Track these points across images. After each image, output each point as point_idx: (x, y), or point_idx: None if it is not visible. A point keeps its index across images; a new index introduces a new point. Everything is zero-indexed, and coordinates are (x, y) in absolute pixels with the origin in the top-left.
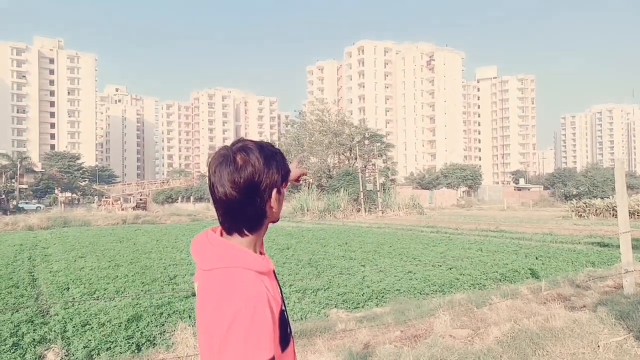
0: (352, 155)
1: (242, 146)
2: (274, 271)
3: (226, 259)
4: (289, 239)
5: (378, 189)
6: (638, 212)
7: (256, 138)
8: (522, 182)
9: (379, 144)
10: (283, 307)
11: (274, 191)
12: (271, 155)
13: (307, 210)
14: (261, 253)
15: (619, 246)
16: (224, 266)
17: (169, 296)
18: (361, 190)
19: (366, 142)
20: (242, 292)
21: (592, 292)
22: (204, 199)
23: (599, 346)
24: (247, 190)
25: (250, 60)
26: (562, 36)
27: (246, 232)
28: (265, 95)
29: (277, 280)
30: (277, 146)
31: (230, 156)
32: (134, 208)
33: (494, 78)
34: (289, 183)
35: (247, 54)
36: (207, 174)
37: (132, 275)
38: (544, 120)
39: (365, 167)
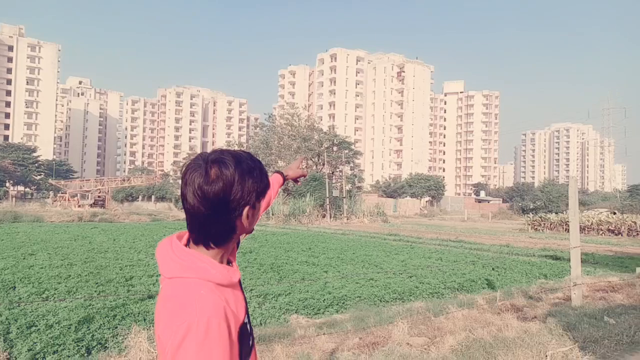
0: (320, 160)
1: (217, 158)
2: (240, 282)
3: (186, 269)
4: (252, 243)
5: (344, 196)
6: (588, 228)
7: (224, 139)
8: (482, 194)
9: (347, 151)
10: (246, 320)
11: (247, 208)
12: (248, 170)
13: (272, 214)
14: (230, 263)
15: (569, 260)
16: (183, 276)
17: (124, 298)
18: (327, 196)
19: (335, 148)
20: (196, 305)
21: (543, 303)
22: (166, 198)
23: (546, 356)
24: (216, 206)
25: (221, 60)
26: (528, 55)
27: (212, 245)
28: (235, 97)
29: (243, 292)
30: (245, 148)
31: (203, 167)
32: (91, 205)
33: (460, 92)
34: (288, 181)
35: (218, 54)
36: (170, 174)
37: (86, 275)
38: (505, 136)
39: (332, 173)
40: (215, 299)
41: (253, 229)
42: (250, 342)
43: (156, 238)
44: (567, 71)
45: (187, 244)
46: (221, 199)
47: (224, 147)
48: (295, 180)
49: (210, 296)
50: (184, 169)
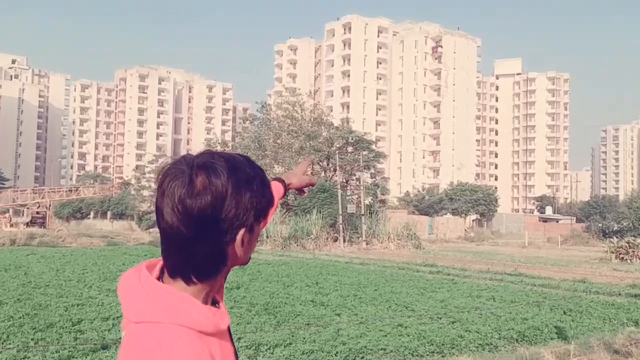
0: (331, 165)
1: (206, 163)
2: (229, 328)
3: (159, 311)
4: (241, 275)
5: (363, 213)
6: None
7: (202, 136)
8: (549, 211)
9: (366, 153)
10: None
11: (242, 231)
12: (246, 181)
13: (267, 237)
14: (216, 303)
15: None
16: (155, 320)
17: (70, 348)
18: (340, 212)
19: (350, 149)
20: None
21: (633, 359)
22: (126, 215)
23: None
24: (201, 226)
25: (199, 33)
26: (608, 26)
27: (194, 279)
28: (217, 80)
29: (233, 342)
30: (230, 147)
31: (187, 174)
32: (27, 224)
33: (517, 74)
34: (292, 191)
35: (195, 25)
36: (132, 182)
37: (20, 318)
38: (579, 133)
39: (347, 182)
40: (197, 352)
41: (249, 259)
42: None
43: (113, 268)
44: None
45: (160, 277)
46: (209, 218)
47: (205, 147)
48: (300, 190)
49: (190, 348)
50: (160, 175)
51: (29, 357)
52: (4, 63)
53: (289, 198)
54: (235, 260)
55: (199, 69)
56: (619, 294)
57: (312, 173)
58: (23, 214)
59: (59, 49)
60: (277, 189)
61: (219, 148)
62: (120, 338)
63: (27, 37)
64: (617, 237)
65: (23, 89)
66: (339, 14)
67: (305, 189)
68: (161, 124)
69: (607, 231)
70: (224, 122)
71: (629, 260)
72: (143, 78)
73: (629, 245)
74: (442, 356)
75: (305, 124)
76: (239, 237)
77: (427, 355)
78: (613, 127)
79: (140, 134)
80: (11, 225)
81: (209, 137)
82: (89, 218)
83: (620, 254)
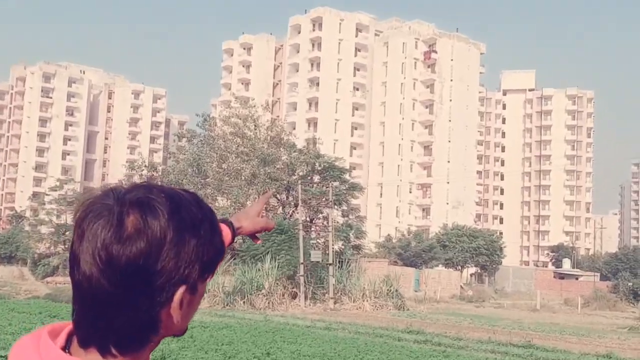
0: (291, 199)
1: (142, 198)
2: None
3: None
4: (168, 342)
5: (331, 262)
6: None
7: (124, 157)
8: (566, 264)
9: (337, 184)
10: None
11: (181, 289)
12: (192, 224)
13: (206, 291)
14: None
15: None
16: None
17: None
18: (302, 261)
19: (316, 178)
20: None
21: None
22: (17, 258)
23: None
24: (129, 281)
25: (124, 24)
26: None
27: (113, 351)
28: (145, 84)
29: None
30: (160, 173)
31: (116, 211)
32: None
33: (530, 90)
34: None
35: (119, 13)
36: (27, 215)
37: None
38: (605, 167)
39: (311, 221)
40: None
41: (186, 328)
42: None
43: None
44: None
45: (65, 347)
46: (140, 270)
47: (128, 169)
48: (253, 236)
49: None
50: (80, 212)
51: None
52: None
53: (236, 243)
54: (169, 328)
55: (123, 69)
56: None
57: (266, 208)
58: None
59: None
60: (224, 234)
61: (145, 172)
62: None
63: None
64: None
65: None
66: (307, 6)
67: (259, 234)
68: (69, 139)
69: (639, 292)
70: (153, 139)
71: None
72: (48, 78)
73: None
74: None
75: (260, 144)
76: (177, 297)
77: None
78: None
79: (40, 152)
80: None
81: (133, 157)
82: None
83: None
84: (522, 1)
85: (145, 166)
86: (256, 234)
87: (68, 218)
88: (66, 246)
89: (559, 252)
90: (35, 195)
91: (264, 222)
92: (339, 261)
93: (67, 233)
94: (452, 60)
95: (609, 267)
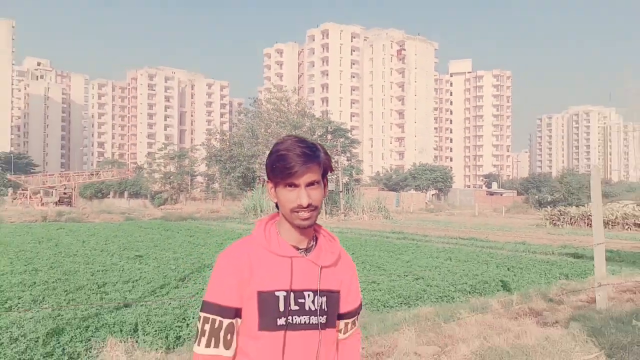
0: None
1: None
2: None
3: None
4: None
5: (341, 190)
6: (612, 222)
7: (204, 127)
8: (494, 186)
9: (342, 140)
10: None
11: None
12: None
13: (261, 211)
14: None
15: (593, 257)
16: None
17: (97, 307)
18: None
19: (329, 136)
20: None
21: (565, 306)
22: (141, 194)
23: None
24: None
25: (199, 38)
26: (542, 32)
27: None
28: (215, 79)
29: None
30: (228, 137)
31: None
32: (56, 203)
33: (468, 72)
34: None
35: (195, 31)
36: (144, 167)
37: (53, 282)
38: (519, 121)
39: None
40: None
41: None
42: (279, 319)
43: (131, 239)
44: (586, 48)
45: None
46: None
47: (206, 136)
48: None
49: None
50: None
51: (62, 315)
52: (31, 65)
53: None
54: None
55: (200, 68)
56: (552, 253)
57: None
58: (52, 195)
59: (78, 51)
60: None
61: (218, 136)
62: (139, 297)
63: (50, 42)
64: (550, 207)
65: (48, 88)
66: (319, 22)
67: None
68: (168, 117)
69: (542, 202)
70: (222, 115)
71: (560, 226)
72: (151, 77)
73: (560, 213)
74: (409, 307)
75: (291, 115)
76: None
77: (397, 306)
78: (547, 116)
79: (150, 125)
80: (42, 205)
81: (210, 127)
82: (109, 197)
83: (553, 220)
84: (464, 10)
85: (218, 133)
86: None
87: (172, 167)
88: (172, 185)
89: (489, 178)
90: (149, 154)
91: None
92: (346, 189)
93: (170, 177)
94: (415, 54)
95: (522, 187)
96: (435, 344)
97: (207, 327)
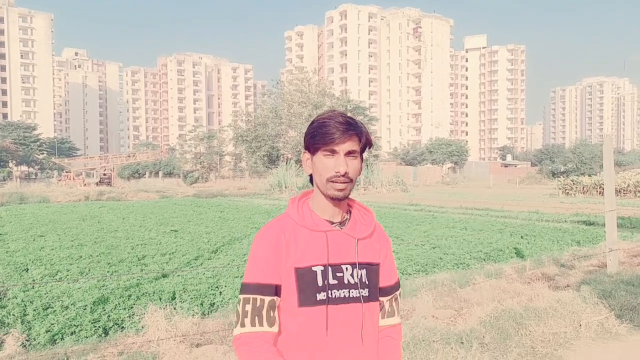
0: None
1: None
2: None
3: None
4: (266, 218)
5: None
6: (624, 190)
7: (230, 109)
8: (509, 158)
9: (361, 117)
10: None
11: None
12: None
13: (285, 187)
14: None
15: (604, 225)
16: None
17: (138, 277)
18: None
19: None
20: None
21: (576, 271)
22: (174, 174)
23: (580, 325)
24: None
25: (223, 25)
26: (554, 6)
27: None
28: (239, 63)
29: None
30: (253, 118)
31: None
32: (97, 184)
33: (483, 48)
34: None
35: (219, 17)
36: (176, 148)
37: (97, 256)
38: (533, 94)
39: None
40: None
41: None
42: (318, 294)
43: (166, 215)
44: (599, 20)
45: None
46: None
47: (233, 117)
48: None
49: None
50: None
51: (106, 286)
52: (69, 55)
53: (301, 156)
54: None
55: (225, 53)
56: (565, 221)
57: None
58: (93, 176)
59: (111, 41)
60: None
61: (244, 117)
62: (176, 268)
63: (85, 33)
64: (563, 177)
65: (85, 76)
66: (337, 3)
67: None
68: (197, 101)
69: (555, 172)
70: (247, 97)
71: (572, 195)
72: (180, 63)
73: (573, 183)
74: (426, 274)
75: (312, 95)
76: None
77: (415, 273)
78: (560, 89)
79: (180, 109)
80: (84, 185)
81: (236, 109)
82: (145, 177)
83: (566, 190)
84: None
85: (243, 114)
86: None
87: (201, 148)
88: (202, 165)
89: (504, 151)
90: (180, 135)
91: None
92: (366, 164)
93: (201, 157)
94: (431, 32)
95: (536, 158)
96: (451, 308)
97: (248, 307)
